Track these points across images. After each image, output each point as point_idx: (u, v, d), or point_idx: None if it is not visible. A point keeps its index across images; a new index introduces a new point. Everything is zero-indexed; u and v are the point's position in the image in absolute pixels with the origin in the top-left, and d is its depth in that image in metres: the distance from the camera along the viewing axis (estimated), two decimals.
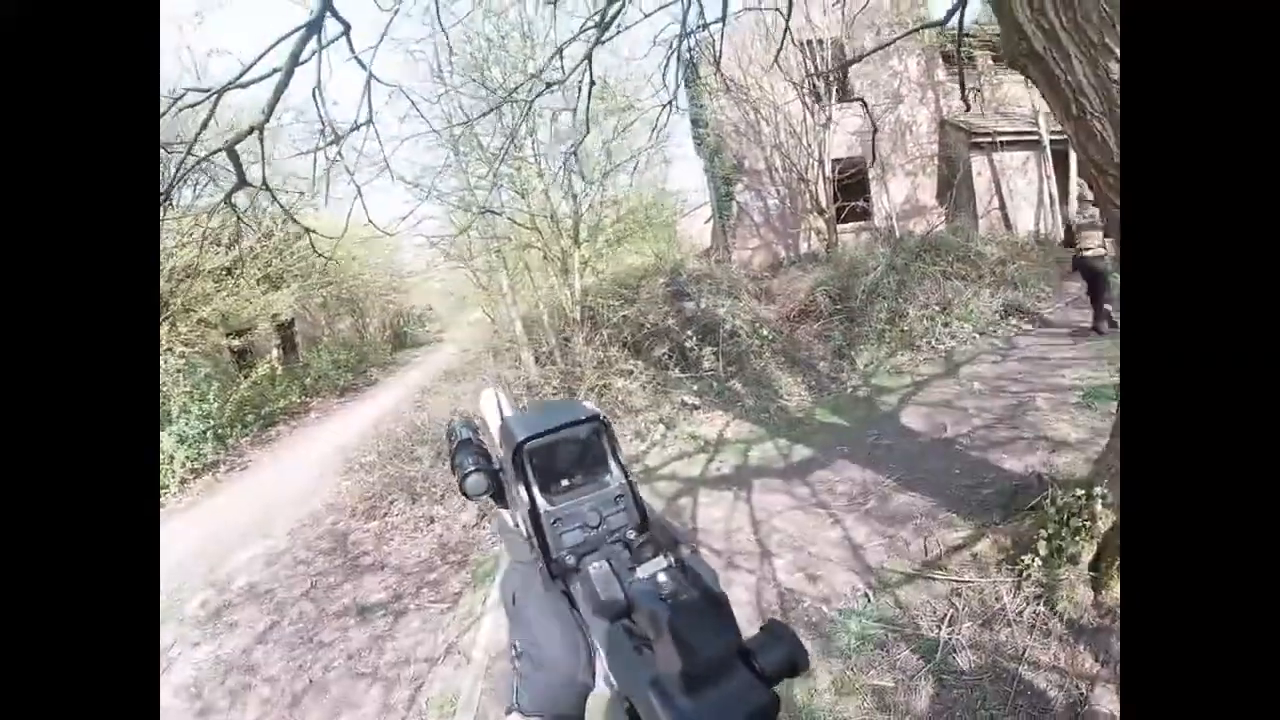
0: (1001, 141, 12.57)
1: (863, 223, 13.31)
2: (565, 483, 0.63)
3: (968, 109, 11.01)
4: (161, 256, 9.40)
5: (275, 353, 12.93)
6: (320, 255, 4.54)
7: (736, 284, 10.08)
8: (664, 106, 5.49)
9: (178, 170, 4.04)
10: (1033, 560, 3.29)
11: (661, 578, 0.49)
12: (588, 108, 4.93)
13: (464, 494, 0.71)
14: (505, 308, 9.10)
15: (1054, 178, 12.65)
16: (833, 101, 12.47)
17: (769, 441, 6.64)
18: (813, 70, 11.38)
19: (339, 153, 4.01)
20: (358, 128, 4.23)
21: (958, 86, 12.79)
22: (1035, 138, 12.54)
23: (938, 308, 9.19)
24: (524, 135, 8.07)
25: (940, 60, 13.30)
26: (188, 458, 9.20)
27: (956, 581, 3.53)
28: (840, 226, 12.83)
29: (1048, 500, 3.46)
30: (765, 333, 8.74)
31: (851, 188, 13.03)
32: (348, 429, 10.68)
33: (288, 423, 11.75)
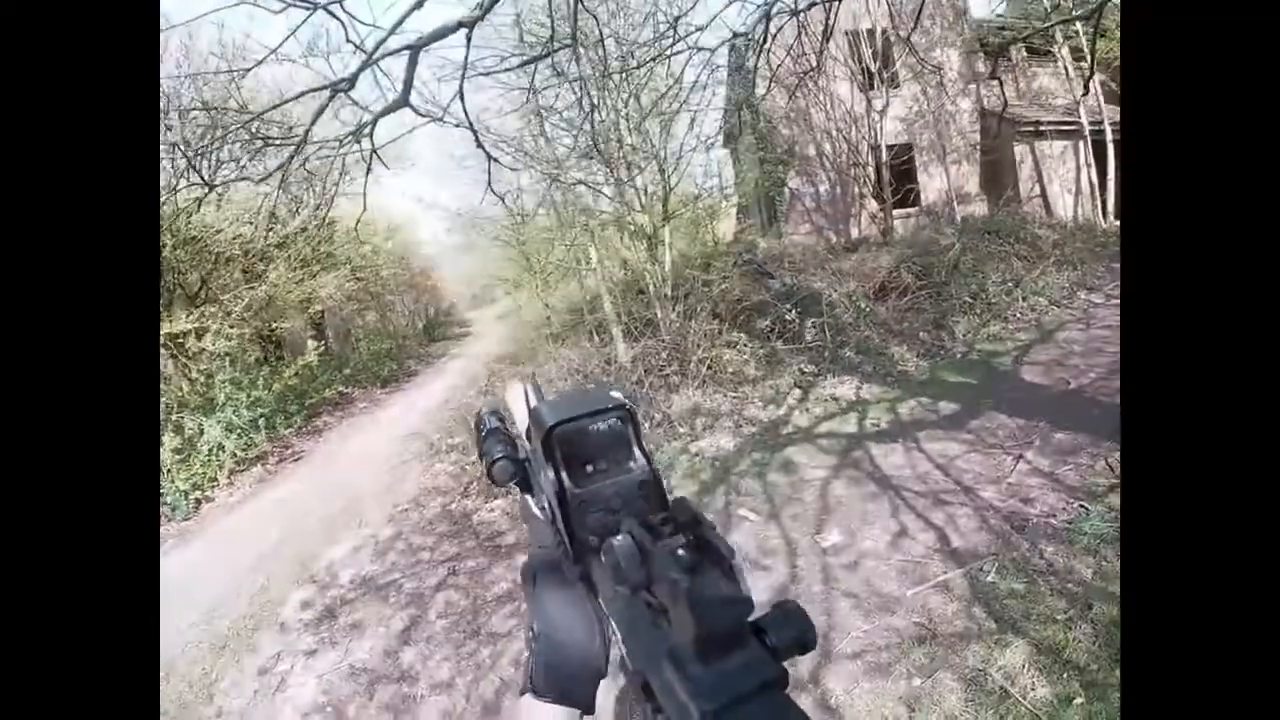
0: (1043, 131, 12.33)
1: (912, 208, 12.86)
2: (590, 469, 0.60)
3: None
4: (210, 232, 8.13)
5: (312, 343, 11.57)
6: (498, 195, 3.62)
7: (810, 264, 9.50)
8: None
9: (363, 65, 2.96)
10: None
11: (681, 551, 0.42)
12: (755, 67, 4.83)
13: (491, 480, 0.69)
14: (594, 282, 8.15)
15: (1093, 166, 12.38)
16: (886, 88, 11.99)
17: (911, 400, 6.27)
18: (862, 57, 11.05)
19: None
20: (552, 53, 3.93)
21: (990, 78, 12.60)
22: (1075, 127, 12.23)
23: (1012, 283, 9.09)
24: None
25: (981, 53, 12.94)
26: (237, 448, 7.86)
27: None
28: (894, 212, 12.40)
29: None
30: (863, 305, 8.25)
31: (899, 174, 12.58)
32: (408, 416, 9.53)
33: (332, 413, 10.46)
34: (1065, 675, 2.50)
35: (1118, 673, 2.41)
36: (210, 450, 7.67)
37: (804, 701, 2.70)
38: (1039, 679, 2.52)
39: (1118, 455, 4.09)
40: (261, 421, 8.41)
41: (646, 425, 6.06)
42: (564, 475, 0.58)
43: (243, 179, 4.19)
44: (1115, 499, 3.64)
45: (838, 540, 3.91)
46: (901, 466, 4.79)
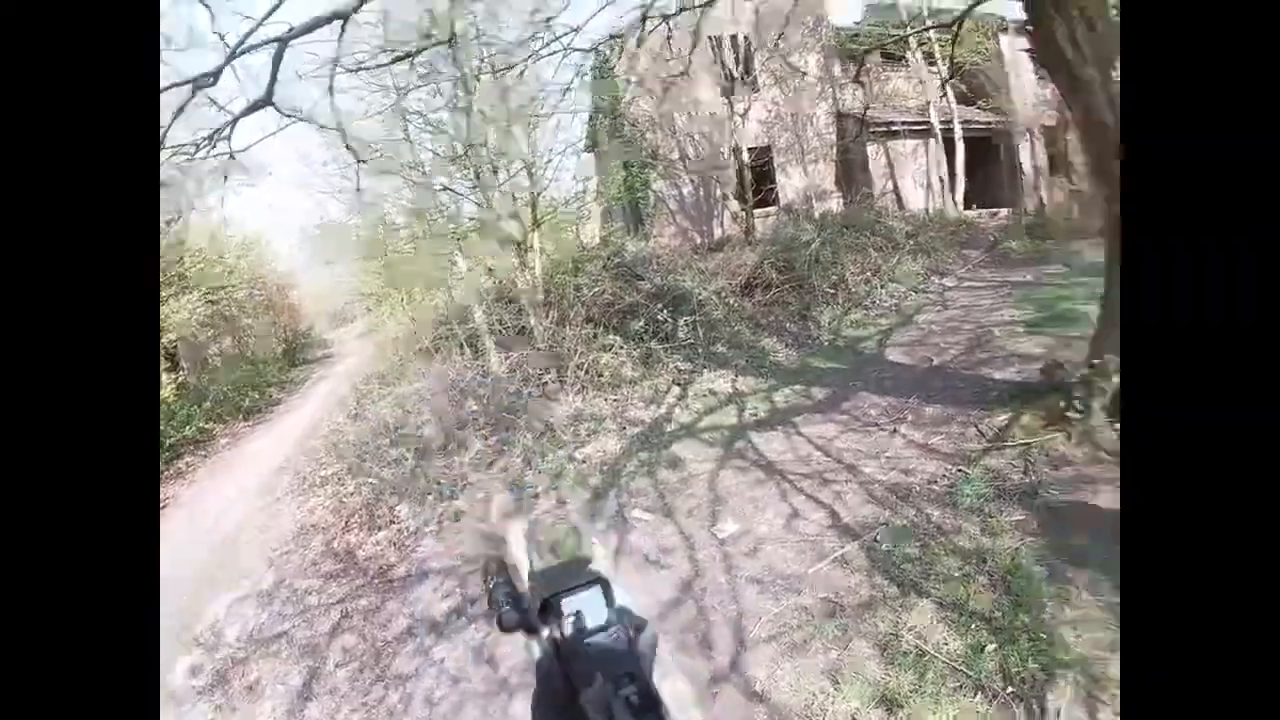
0: (896, 131, 13.23)
1: (771, 207, 13.43)
2: (573, 620, 0.82)
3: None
4: None
5: (166, 376, 10.49)
6: (364, 202, 3.56)
7: (678, 264, 9.84)
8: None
9: (229, 57, 2.83)
10: (1074, 416, 4.10)
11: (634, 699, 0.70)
12: (626, 69, 4.98)
13: (500, 628, 0.91)
14: (462, 292, 7.96)
15: (943, 162, 13.45)
16: (748, 93, 12.52)
17: (785, 388, 6.60)
18: (727, 65, 11.55)
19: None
20: (428, 48, 3.64)
21: (854, 81, 13.44)
22: (925, 126, 13.24)
23: (871, 272, 9.76)
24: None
25: (837, 59, 13.79)
26: None
27: (1022, 444, 4.15)
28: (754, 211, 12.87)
29: (1070, 378, 4.41)
30: (731, 301, 8.60)
31: (759, 175, 13.08)
32: (276, 448, 8.91)
33: (194, 452, 9.60)
34: (973, 626, 2.69)
35: (1022, 617, 2.67)
36: None
37: (728, 690, 2.75)
38: (949, 634, 2.69)
39: (987, 422, 4.61)
40: None
41: (529, 437, 6.00)
42: (558, 634, 0.80)
43: None
44: (990, 461, 4.07)
45: (733, 530, 4.02)
46: (784, 452, 5.02)
